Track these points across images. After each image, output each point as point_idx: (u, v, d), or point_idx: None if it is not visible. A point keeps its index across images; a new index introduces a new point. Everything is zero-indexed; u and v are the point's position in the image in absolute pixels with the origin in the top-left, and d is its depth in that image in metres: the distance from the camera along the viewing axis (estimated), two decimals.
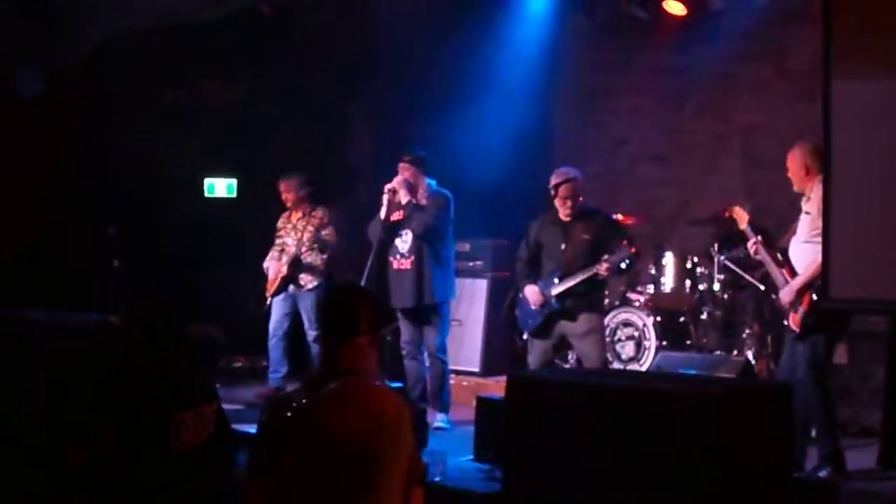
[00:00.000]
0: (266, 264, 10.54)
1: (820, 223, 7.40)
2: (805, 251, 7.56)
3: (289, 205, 10.56)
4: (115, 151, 11.30)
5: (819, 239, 7.41)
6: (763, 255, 7.91)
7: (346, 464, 2.40)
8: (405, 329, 9.43)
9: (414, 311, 9.33)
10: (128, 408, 5.09)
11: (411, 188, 9.25)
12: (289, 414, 4.15)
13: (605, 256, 8.48)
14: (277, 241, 10.60)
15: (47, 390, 5.69)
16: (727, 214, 8.41)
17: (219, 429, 5.18)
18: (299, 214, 10.53)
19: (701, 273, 10.48)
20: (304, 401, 4.17)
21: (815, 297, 7.42)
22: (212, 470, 5.10)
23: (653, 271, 10.73)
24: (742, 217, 8.17)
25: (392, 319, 9.53)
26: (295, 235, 10.45)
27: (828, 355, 7.63)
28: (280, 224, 10.66)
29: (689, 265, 10.58)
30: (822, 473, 7.24)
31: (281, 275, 10.32)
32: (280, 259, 10.43)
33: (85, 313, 8.49)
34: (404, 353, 9.49)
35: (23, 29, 10.07)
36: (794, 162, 7.68)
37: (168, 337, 5.21)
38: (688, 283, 10.57)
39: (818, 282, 7.39)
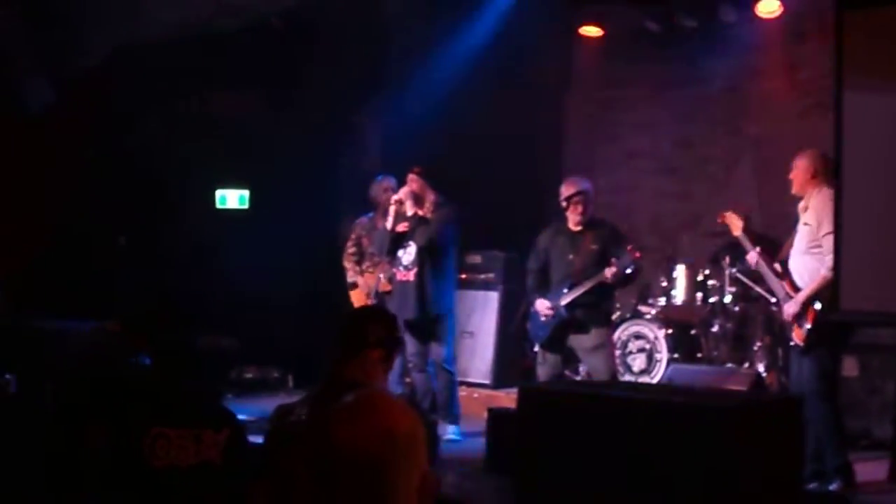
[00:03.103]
0: (357, 279, 10.21)
1: (820, 235, 7.42)
2: (805, 263, 7.55)
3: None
4: (126, 162, 11.31)
5: (819, 251, 7.42)
6: (763, 267, 7.92)
7: (355, 479, 2.39)
8: (411, 341, 9.36)
9: (418, 322, 9.30)
10: (111, 414, 5.08)
11: (418, 200, 9.24)
12: (292, 421, 4.18)
13: (613, 261, 8.50)
14: (352, 249, 10.26)
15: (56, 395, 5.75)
16: (720, 220, 8.41)
17: (225, 460, 5.07)
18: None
19: (712, 286, 10.47)
20: (306, 410, 4.20)
21: (818, 310, 7.43)
22: (202, 497, 5.02)
23: (664, 284, 10.73)
24: (735, 224, 8.17)
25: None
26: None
27: (834, 368, 7.63)
28: (364, 231, 10.21)
29: (700, 278, 10.57)
30: (833, 486, 7.23)
31: (384, 290, 9.88)
32: (373, 274, 10.08)
33: (83, 320, 8.51)
34: (411, 365, 9.48)
35: (32, 39, 10.10)
36: (802, 164, 7.65)
37: (170, 347, 5.19)
38: (699, 295, 10.56)
39: (823, 294, 7.41)
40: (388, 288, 9.74)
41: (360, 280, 10.22)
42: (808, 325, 7.41)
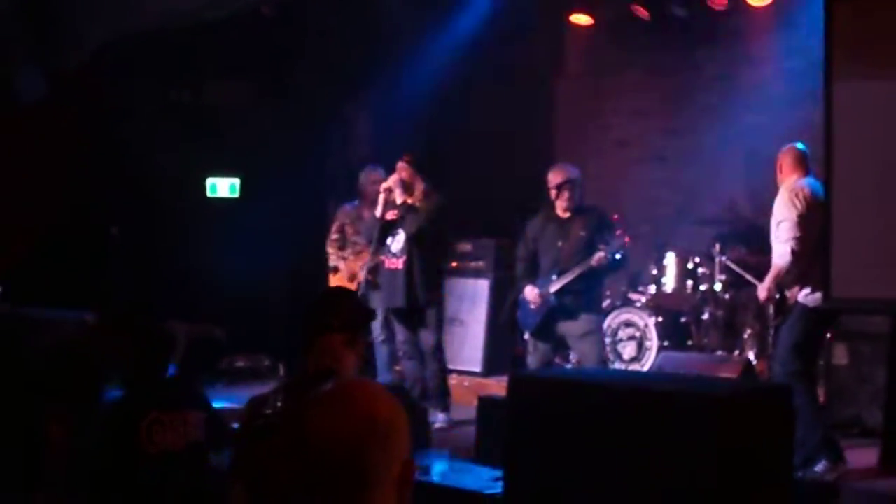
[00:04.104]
0: (339, 264, 10.34)
1: (774, 224, 7.64)
2: (772, 252, 7.72)
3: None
4: (118, 152, 11.29)
5: (777, 241, 7.55)
6: None
7: (332, 471, 2.34)
8: (400, 329, 9.44)
9: (407, 311, 9.34)
10: (103, 406, 5.10)
11: (407, 188, 9.24)
12: (266, 413, 4.16)
13: (601, 246, 8.51)
14: (336, 235, 10.35)
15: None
16: None
17: (209, 438, 5.13)
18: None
19: (702, 273, 10.49)
20: (279, 401, 4.17)
21: (777, 296, 7.77)
22: (194, 478, 5.05)
23: (654, 272, 10.74)
24: None
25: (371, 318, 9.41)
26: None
27: (809, 348, 7.67)
28: (348, 219, 10.32)
29: (690, 265, 10.59)
30: (820, 467, 7.23)
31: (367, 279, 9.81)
32: (355, 261, 10.15)
33: (65, 311, 8.50)
34: (401, 353, 9.52)
35: (24, 31, 10.07)
36: (777, 163, 7.88)
37: (150, 339, 5.21)
38: (689, 283, 10.58)
39: (782, 281, 7.65)
40: (369, 278, 9.74)
41: (341, 265, 10.24)
42: (772, 307, 7.63)
